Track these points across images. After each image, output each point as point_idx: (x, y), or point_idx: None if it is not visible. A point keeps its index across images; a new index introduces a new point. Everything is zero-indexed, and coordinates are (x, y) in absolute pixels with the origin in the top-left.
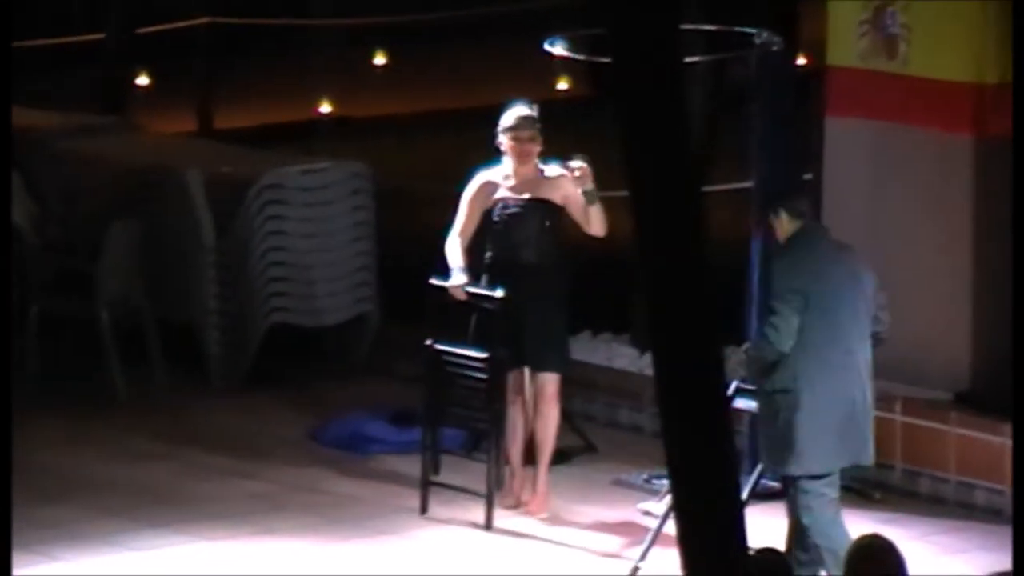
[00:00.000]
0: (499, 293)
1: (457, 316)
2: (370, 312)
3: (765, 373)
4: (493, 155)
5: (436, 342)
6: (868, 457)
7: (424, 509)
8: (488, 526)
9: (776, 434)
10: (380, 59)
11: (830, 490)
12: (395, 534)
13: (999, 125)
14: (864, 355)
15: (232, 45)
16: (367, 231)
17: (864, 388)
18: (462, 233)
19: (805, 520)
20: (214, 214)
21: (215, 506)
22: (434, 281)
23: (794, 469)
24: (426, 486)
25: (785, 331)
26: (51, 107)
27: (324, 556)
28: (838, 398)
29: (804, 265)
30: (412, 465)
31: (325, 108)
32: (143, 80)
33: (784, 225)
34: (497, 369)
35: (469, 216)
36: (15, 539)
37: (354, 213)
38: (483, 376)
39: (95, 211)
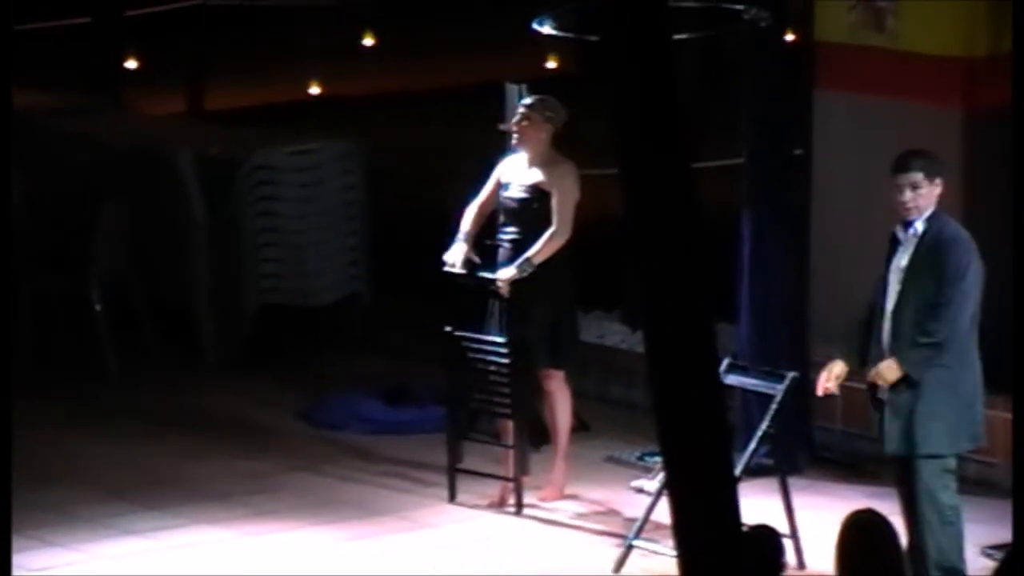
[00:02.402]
0: (501, 274)
1: (477, 300)
2: (362, 290)
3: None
4: (481, 134)
5: (456, 328)
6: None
7: (452, 496)
8: (519, 510)
9: (926, 412)
10: (369, 40)
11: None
12: (393, 513)
13: (988, 98)
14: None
15: (222, 26)
16: (358, 210)
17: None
18: (480, 205)
19: (949, 500)
20: (205, 195)
21: (210, 487)
22: (447, 268)
23: (936, 448)
24: (452, 472)
25: (955, 323)
26: (43, 87)
27: (321, 539)
28: (975, 380)
29: (966, 241)
30: (407, 445)
31: (315, 89)
32: (133, 62)
33: (934, 195)
34: (515, 353)
35: (488, 191)
36: None
37: (345, 192)
38: (503, 361)
39: (87, 191)
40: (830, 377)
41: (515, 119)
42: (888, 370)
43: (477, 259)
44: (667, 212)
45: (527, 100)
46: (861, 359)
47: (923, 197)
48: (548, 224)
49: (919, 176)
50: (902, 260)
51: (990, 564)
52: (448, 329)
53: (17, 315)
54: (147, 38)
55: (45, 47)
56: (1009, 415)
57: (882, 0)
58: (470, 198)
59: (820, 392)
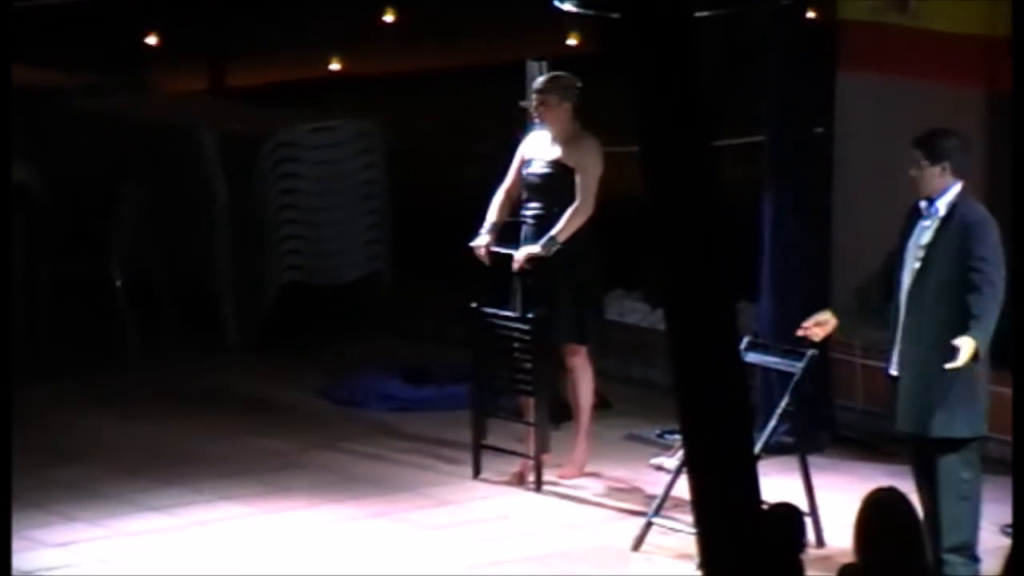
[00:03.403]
0: (525, 251)
1: (500, 278)
2: (382, 270)
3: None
4: (502, 112)
5: (480, 305)
6: None
7: (477, 472)
8: (539, 487)
9: (964, 394)
10: (389, 16)
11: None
12: (413, 490)
13: (1009, 79)
14: None
15: (243, 3)
16: (378, 189)
17: None
18: (507, 190)
19: (966, 475)
20: (226, 173)
21: (231, 465)
22: (472, 244)
23: (975, 430)
24: (477, 448)
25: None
26: (63, 66)
27: (341, 515)
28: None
29: (994, 223)
30: (427, 423)
31: (335, 66)
32: (153, 39)
33: (936, 179)
34: (537, 331)
35: (514, 172)
36: (32, 500)
37: (365, 171)
38: (525, 338)
39: (107, 171)
40: (820, 323)
41: (532, 103)
42: (967, 348)
43: (499, 249)
44: (688, 191)
45: (537, 83)
46: (879, 309)
47: (924, 180)
48: (572, 200)
49: (919, 154)
50: (923, 237)
51: (1009, 543)
52: (473, 305)
53: (37, 296)
54: (168, 15)
55: (65, 25)
56: None
57: None
58: (491, 179)
59: (799, 332)
